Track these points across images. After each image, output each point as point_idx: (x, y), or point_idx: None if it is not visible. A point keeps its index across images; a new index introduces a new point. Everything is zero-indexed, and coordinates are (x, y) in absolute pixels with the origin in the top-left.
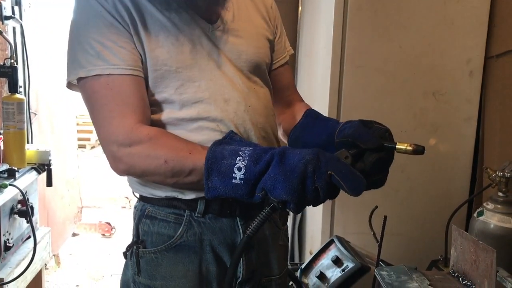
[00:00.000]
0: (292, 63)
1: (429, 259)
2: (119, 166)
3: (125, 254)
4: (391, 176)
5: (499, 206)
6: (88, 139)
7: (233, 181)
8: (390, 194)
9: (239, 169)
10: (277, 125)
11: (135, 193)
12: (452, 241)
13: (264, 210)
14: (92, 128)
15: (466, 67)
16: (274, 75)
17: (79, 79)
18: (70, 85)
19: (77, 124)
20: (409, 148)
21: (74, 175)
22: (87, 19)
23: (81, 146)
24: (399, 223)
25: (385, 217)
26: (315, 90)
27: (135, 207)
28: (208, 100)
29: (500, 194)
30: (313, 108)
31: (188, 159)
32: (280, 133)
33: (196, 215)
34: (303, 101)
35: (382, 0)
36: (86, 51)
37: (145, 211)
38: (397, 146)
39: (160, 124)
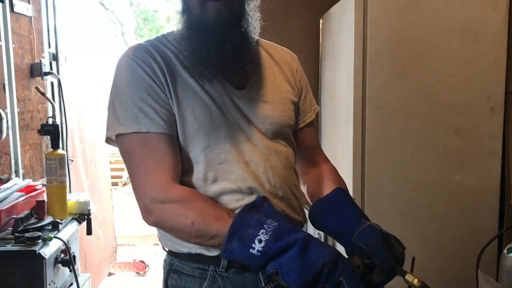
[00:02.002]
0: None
1: None
2: (150, 218)
3: None
4: (419, 213)
5: None
6: (120, 177)
7: (251, 250)
8: (419, 231)
9: (260, 241)
10: (302, 184)
11: (164, 247)
12: (479, 286)
13: (269, 285)
14: (123, 165)
15: (488, 103)
16: (299, 135)
17: (118, 136)
18: (108, 140)
19: (110, 163)
20: (416, 283)
21: (109, 216)
22: (128, 80)
23: (114, 184)
24: (428, 260)
25: (413, 259)
26: (340, 130)
27: (164, 261)
28: (231, 162)
29: None
30: (338, 148)
31: (213, 224)
32: (304, 191)
33: (220, 270)
34: (328, 161)
35: (401, 44)
36: (126, 110)
37: (173, 265)
38: (406, 277)
39: (189, 184)
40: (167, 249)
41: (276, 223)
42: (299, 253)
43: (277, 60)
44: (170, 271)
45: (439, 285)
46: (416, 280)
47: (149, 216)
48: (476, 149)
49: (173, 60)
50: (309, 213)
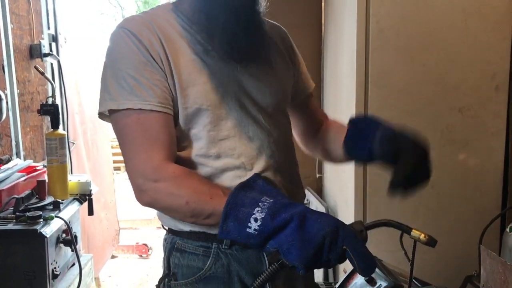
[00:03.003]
0: (318, 84)
1: (464, 274)
2: (144, 198)
3: (157, 286)
4: (421, 193)
5: None
6: (123, 161)
7: (248, 230)
8: (421, 210)
9: (256, 220)
10: (314, 149)
11: (164, 225)
12: (481, 261)
13: (272, 265)
14: None
15: (492, 81)
16: (302, 104)
17: (111, 111)
18: (101, 116)
19: (112, 147)
20: (423, 238)
21: (111, 199)
22: (123, 54)
23: (116, 169)
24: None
25: None
26: (341, 110)
27: (164, 240)
28: (233, 138)
29: None
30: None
31: (208, 203)
32: (319, 153)
33: (223, 247)
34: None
35: (403, 21)
36: (119, 84)
37: (174, 244)
38: (412, 233)
39: (188, 160)
40: (167, 228)
41: (271, 200)
42: (297, 229)
43: (272, 35)
44: (172, 249)
45: (442, 264)
46: (422, 235)
47: (142, 196)
48: (480, 128)
49: (173, 33)
50: (344, 153)
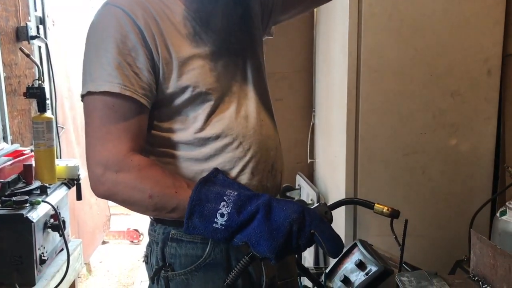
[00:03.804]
0: (310, 68)
1: (454, 259)
2: (100, 189)
3: (152, 279)
4: (412, 178)
5: None
6: None
7: (214, 225)
8: (412, 195)
9: (222, 215)
10: None
11: (151, 216)
12: (471, 245)
13: (243, 259)
14: None
15: (484, 66)
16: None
17: (87, 93)
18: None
19: None
20: (386, 211)
21: None
22: (109, 34)
23: None
24: (422, 224)
25: (406, 221)
26: (333, 94)
27: (153, 231)
28: (230, 119)
29: None
30: (332, 113)
31: (173, 197)
32: None
33: None
34: None
35: (396, 4)
36: (101, 65)
37: (169, 234)
38: (375, 207)
39: (186, 141)
40: (152, 217)
41: (235, 193)
42: (264, 220)
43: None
44: (167, 239)
45: (432, 249)
46: (385, 208)
47: (99, 186)
48: (472, 113)
49: (169, 11)
50: None
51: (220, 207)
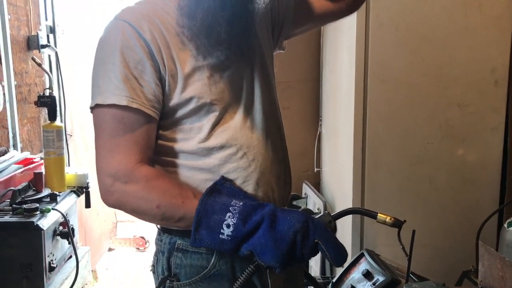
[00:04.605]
0: (317, 77)
1: (461, 270)
2: (109, 199)
3: None
4: (419, 188)
5: None
6: None
7: (220, 236)
8: (419, 205)
9: (228, 226)
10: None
11: (158, 225)
12: (479, 256)
13: (248, 268)
14: None
15: (491, 76)
16: (301, 13)
17: (96, 106)
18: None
19: None
20: (389, 220)
21: None
22: (117, 47)
23: None
24: (429, 234)
25: (414, 232)
26: (340, 104)
27: (160, 240)
28: (235, 129)
29: None
30: (339, 122)
31: (180, 207)
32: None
33: None
34: None
35: (403, 15)
36: (109, 78)
37: (174, 244)
38: (378, 217)
39: (191, 151)
40: (159, 226)
41: (240, 203)
42: (268, 230)
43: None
44: (173, 249)
45: (439, 259)
46: (388, 218)
47: (108, 197)
48: (479, 123)
49: (175, 25)
50: None
51: (226, 218)
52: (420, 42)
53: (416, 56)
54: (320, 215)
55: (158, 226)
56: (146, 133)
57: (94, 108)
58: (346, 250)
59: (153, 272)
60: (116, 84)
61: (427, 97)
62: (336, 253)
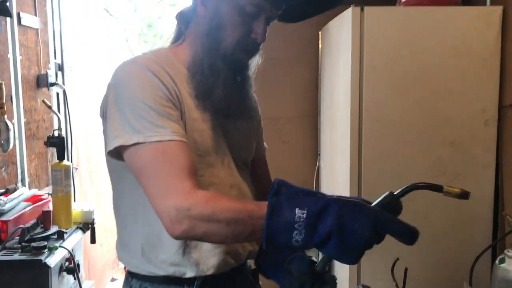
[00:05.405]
0: (315, 113)
1: None
2: (178, 230)
3: None
4: (414, 223)
5: None
6: None
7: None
8: None
9: (297, 241)
10: None
11: (131, 270)
12: None
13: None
14: None
15: (481, 116)
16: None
17: (131, 145)
18: (111, 152)
19: None
20: (457, 191)
21: (112, 223)
22: (142, 87)
23: None
24: (423, 270)
25: (406, 269)
26: (337, 141)
27: (130, 286)
28: (217, 186)
29: None
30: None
31: (247, 222)
32: None
33: None
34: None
35: (396, 58)
36: (142, 117)
37: None
38: (444, 189)
39: None
40: (127, 270)
41: (304, 215)
42: (338, 244)
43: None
44: None
45: None
46: (456, 189)
47: (176, 227)
48: (471, 161)
49: (180, 76)
50: None
51: (293, 236)
52: (413, 84)
53: (408, 98)
54: (383, 196)
55: (131, 270)
56: (189, 157)
57: (127, 148)
58: (415, 229)
59: None
60: (153, 122)
61: (420, 136)
62: (407, 237)
